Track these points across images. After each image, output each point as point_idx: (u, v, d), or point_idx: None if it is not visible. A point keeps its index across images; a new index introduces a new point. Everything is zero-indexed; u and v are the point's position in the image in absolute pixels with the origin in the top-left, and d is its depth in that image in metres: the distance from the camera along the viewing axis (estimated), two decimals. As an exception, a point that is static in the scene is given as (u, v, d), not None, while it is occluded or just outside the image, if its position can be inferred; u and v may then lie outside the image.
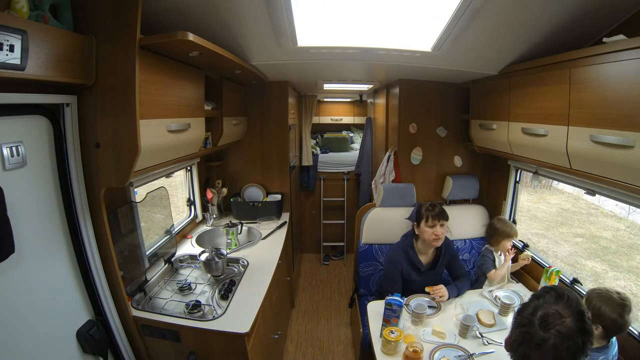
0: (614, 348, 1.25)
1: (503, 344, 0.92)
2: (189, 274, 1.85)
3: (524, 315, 0.78)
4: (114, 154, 1.19)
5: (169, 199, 1.89)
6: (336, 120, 4.66)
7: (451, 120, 2.49)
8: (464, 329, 1.52)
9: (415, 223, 1.93)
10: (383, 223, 2.37)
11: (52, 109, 1.15)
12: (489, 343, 1.49)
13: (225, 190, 2.60)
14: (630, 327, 1.37)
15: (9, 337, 1.00)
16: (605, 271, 3.09)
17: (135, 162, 1.16)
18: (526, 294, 1.90)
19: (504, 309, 1.69)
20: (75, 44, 1.05)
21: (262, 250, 2.13)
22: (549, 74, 1.42)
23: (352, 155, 4.10)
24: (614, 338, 1.26)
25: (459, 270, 2.01)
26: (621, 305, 1.19)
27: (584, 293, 1.66)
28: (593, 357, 1.20)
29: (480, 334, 1.52)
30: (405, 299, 1.75)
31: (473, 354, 1.42)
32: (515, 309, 1.58)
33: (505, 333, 1.53)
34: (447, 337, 1.53)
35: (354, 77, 2.61)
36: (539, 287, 1.72)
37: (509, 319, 1.64)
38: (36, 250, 1.10)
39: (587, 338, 0.72)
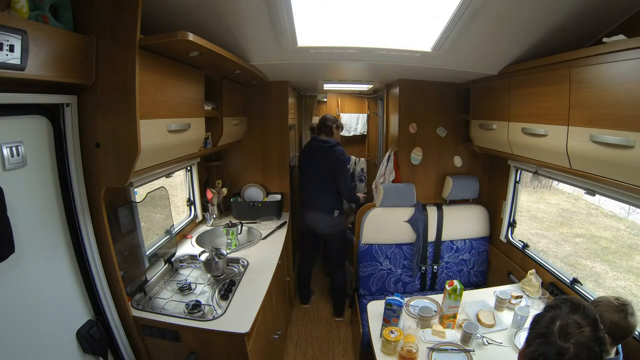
0: (620, 358, 1.25)
1: (517, 357, 0.90)
2: (189, 274, 1.85)
3: (541, 326, 0.78)
4: (114, 154, 1.19)
5: (169, 199, 1.89)
6: (336, 120, 4.64)
7: (451, 120, 2.49)
8: (467, 337, 1.48)
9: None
10: (383, 223, 2.37)
11: (52, 109, 1.15)
12: (489, 343, 1.49)
13: (225, 190, 2.60)
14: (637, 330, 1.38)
15: (9, 337, 1.00)
16: (605, 271, 3.09)
17: (135, 162, 1.16)
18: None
19: (500, 304, 1.71)
20: (75, 44, 1.05)
21: (262, 250, 2.13)
22: (549, 74, 1.42)
23: (352, 155, 4.09)
24: (620, 347, 1.26)
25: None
26: (621, 308, 1.19)
27: (588, 296, 1.66)
28: None
29: (480, 334, 1.52)
30: (406, 299, 1.76)
31: (472, 350, 1.44)
32: (516, 309, 1.60)
33: (505, 333, 1.55)
34: (447, 337, 1.53)
35: (354, 77, 2.61)
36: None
37: (504, 315, 1.66)
38: (36, 251, 1.10)
39: (604, 347, 0.74)
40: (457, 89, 2.42)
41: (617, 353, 1.21)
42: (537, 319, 0.82)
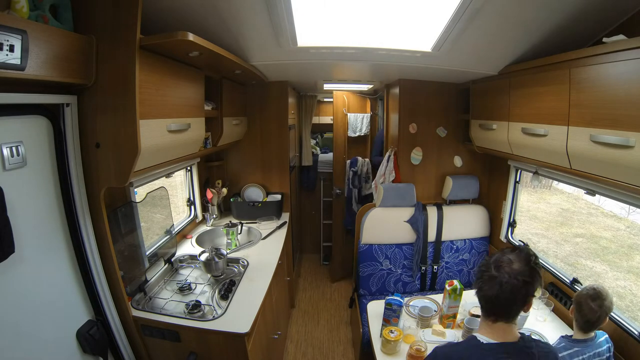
0: (604, 344, 1.27)
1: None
2: (189, 274, 1.85)
3: (483, 264, 1.00)
4: (114, 154, 1.19)
5: (169, 199, 1.89)
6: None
7: (451, 120, 2.49)
8: (469, 333, 1.48)
9: None
10: (383, 223, 2.37)
11: (52, 109, 1.15)
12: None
13: (225, 190, 2.60)
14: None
15: (9, 337, 1.00)
16: (605, 271, 3.09)
17: (135, 162, 1.16)
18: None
19: None
20: (75, 44, 1.05)
21: (262, 250, 2.13)
22: (549, 74, 1.42)
23: (352, 155, 4.07)
24: (602, 333, 1.29)
25: None
26: (595, 296, 1.27)
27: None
28: (580, 351, 1.26)
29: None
30: (406, 299, 1.76)
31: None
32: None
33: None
34: (447, 337, 1.53)
35: (354, 77, 2.61)
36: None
37: None
38: (36, 251, 1.10)
39: (529, 280, 0.91)
40: (457, 89, 2.41)
41: (595, 336, 1.29)
42: (481, 264, 1.02)
